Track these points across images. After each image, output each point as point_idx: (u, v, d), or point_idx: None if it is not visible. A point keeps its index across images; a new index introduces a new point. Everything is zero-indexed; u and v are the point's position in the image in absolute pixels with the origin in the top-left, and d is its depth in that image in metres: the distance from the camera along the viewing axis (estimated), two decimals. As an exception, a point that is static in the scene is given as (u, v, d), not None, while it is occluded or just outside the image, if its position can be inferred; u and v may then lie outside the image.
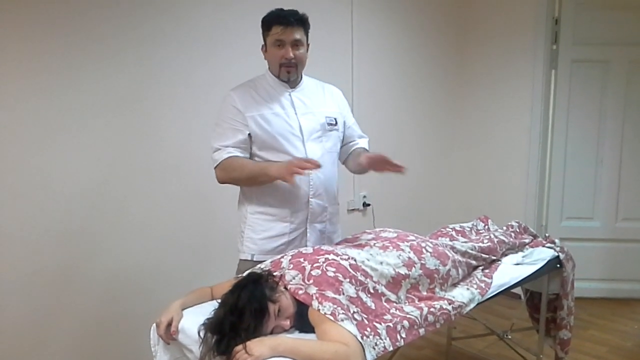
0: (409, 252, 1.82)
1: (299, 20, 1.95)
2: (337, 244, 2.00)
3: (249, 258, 2.03)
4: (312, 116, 2.05)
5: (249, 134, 1.97)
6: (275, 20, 1.94)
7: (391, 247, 1.83)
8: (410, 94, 3.76)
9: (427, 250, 1.86)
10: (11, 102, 2.17)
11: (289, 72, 2.00)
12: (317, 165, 1.78)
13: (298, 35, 1.96)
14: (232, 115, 1.98)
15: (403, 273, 1.74)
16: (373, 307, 1.61)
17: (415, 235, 1.98)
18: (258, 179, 1.96)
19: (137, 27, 2.45)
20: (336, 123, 2.11)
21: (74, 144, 2.34)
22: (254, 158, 2.01)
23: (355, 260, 1.68)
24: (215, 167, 2.02)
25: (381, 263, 1.73)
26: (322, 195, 2.06)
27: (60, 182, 2.31)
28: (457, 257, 1.99)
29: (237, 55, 2.77)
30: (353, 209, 3.47)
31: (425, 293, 1.79)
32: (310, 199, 2.03)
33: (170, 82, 2.59)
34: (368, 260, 1.71)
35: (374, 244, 1.85)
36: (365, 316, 1.56)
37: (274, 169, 1.88)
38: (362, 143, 2.22)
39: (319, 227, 2.09)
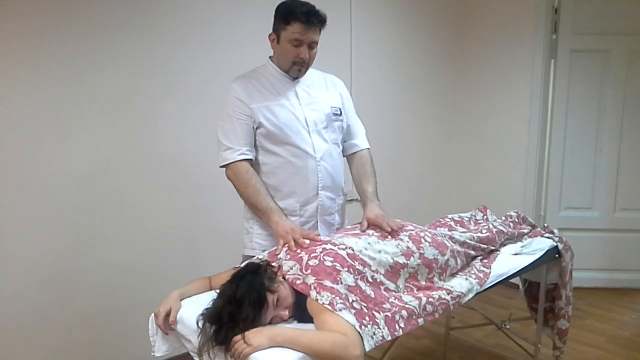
0: (408, 242, 1.82)
1: (321, 22, 1.86)
2: (335, 233, 1.99)
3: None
4: (317, 106, 2.01)
5: (254, 127, 1.93)
6: (298, 18, 1.82)
7: (389, 237, 1.83)
8: (409, 85, 3.75)
9: (425, 240, 1.86)
10: (9, 95, 2.16)
11: (299, 71, 1.96)
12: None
13: (316, 36, 1.89)
14: (237, 108, 1.91)
15: (401, 262, 1.74)
16: (372, 296, 1.60)
17: (414, 225, 1.98)
18: (258, 213, 1.91)
19: (136, 18, 2.44)
20: (341, 113, 2.08)
21: (72, 136, 2.33)
22: (258, 150, 1.96)
23: (352, 250, 1.67)
24: (224, 166, 1.94)
25: (379, 252, 1.72)
26: (330, 187, 2.04)
27: (58, 174, 2.31)
28: (456, 247, 1.99)
29: (236, 47, 2.76)
30: (352, 199, 3.45)
31: (424, 283, 1.79)
32: (319, 192, 2.01)
33: (169, 74, 2.57)
34: (366, 249, 1.71)
35: (372, 233, 1.85)
36: (365, 304, 1.56)
37: (275, 223, 1.82)
38: (362, 142, 2.18)
39: (329, 219, 2.08)
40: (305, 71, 1.99)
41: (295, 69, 1.95)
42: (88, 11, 2.30)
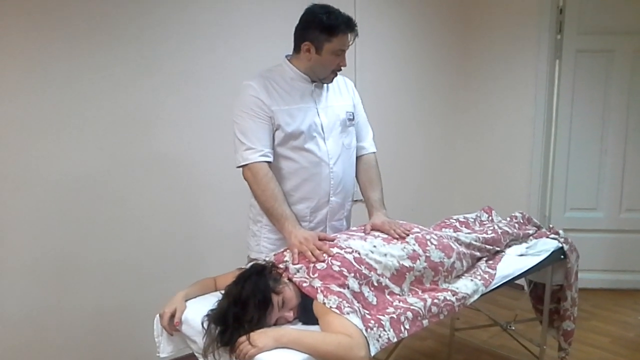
0: (414, 245, 1.81)
1: (356, 26, 1.88)
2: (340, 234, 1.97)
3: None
4: (332, 111, 1.99)
5: (274, 129, 1.88)
6: (343, 30, 1.82)
7: (395, 239, 1.82)
8: (413, 85, 3.74)
9: (431, 243, 1.85)
10: (12, 93, 2.16)
11: (333, 78, 1.97)
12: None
13: None
14: (257, 108, 1.85)
15: (407, 265, 1.73)
16: (374, 303, 1.60)
17: (420, 227, 1.97)
18: (272, 218, 1.86)
19: (138, 17, 2.44)
20: (354, 117, 2.07)
21: (75, 134, 2.33)
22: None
23: (359, 253, 1.67)
24: (242, 166, 1.87)
25: (385, 255, 1.71)
26: (341, 194, 2.03)
27: (61, 172, 2.31)
28: (462, 249, 1.98)
29: (240, 47, 2.76)
30: (356, 200, 3.45)
31: (428, 285, 1.78)
32: (330, 198, 1.99)
33: (172, 74, 2.58)
34: (372, 252, 1.70)
35: (377, 235, 1.84)
36: (367, 312, 1.56)
37: (289, 233, 1.77)
38: (369, 145, 2.16)
39: (337, 225, 2.06)
40: None
41: (331, 77, 1.95)
42: (90, 10, 2.30)
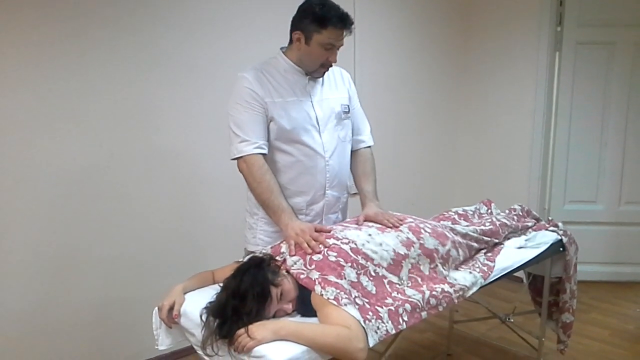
0: (408, 233, 1.81)
1: (352, 24, 1.83)
2: (336, 225, 1.96)
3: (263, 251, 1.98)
4: (327, 104, 1.97)
5: (268, 121, 1.87)
6: (334, 23, 1.78)
7: (389, 229, 1.82)
8: (413, 79, 3.73)
9: (425, 231, 1.85)
10: (13, 88, 2.16)
11: (324, 72, 1.94)
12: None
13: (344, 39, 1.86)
14: (251, 100, 1.84)
15: (402, 253, 1.73)
16: (374, 292, 1.60)
17: (414, 217, 1.97)
18: (268, 211, 1.86)
19: (138, 11, 2.43)
20: (349, 110, 2.05)
21: (75, 129, 2.33)
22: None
23: (355, 244, 1.67)
24: (236, 159, 1.86)
25: (380, 244, 1.71)
26: (337, 187, 2.02)
27: (62, 167, 2.31)
28: (457, 238, 1.98)
29: (240, 41, 2.75)
30: (354, 193, 3.45)
31: (427, 273, 1.78)
32: (326, 191, 1.99)
33: (173, 67, 2.57)
34: (368, 242, 1.70)
35: (371, 225, 1.84)
36: (367, 300, 1.56)
37: (285, 225, 1.77)
38: (367, 139, 2.16)
39: (332, 217, 2.06)
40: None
41: (321, 70, 1.92)
42: (90, 6, 2.30)
